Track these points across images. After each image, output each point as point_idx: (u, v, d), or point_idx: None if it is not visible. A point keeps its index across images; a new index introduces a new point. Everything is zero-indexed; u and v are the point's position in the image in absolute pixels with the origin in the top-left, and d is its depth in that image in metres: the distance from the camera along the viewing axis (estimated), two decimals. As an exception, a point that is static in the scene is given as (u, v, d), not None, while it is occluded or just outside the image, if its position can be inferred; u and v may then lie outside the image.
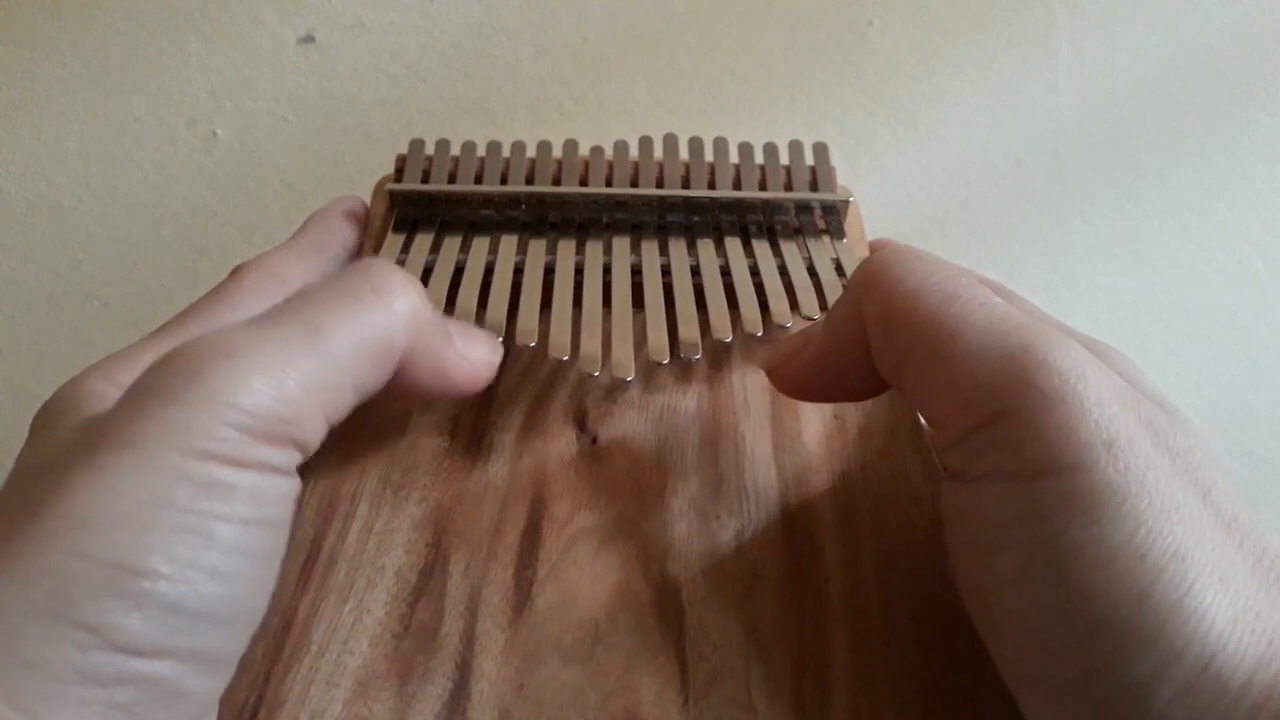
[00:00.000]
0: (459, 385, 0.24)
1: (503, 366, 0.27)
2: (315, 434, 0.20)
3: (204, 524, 0.17)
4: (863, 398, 0.24)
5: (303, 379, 0.19)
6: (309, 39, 0.43)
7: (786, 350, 0.24)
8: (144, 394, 0.18)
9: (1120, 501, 0.17)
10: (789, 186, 0.31)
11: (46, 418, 0.22)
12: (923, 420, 0.24)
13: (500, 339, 0.26)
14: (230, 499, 0.18)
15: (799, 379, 0.24)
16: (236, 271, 0.26)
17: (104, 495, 0.17)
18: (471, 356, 0.24)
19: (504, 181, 0.31)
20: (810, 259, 0.29)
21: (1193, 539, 0.17)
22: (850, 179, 0.32)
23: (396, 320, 0.21)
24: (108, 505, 0.17)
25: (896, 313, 0.20)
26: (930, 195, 0.44)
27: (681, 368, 0.28)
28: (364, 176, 0.32)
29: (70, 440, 0.19)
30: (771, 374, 0.24)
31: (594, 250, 0.29)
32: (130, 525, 0.17)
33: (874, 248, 0.30)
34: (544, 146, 0.31)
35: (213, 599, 0.17)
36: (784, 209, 0.31)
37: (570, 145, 0.31)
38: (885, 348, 0.21)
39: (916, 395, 0.21)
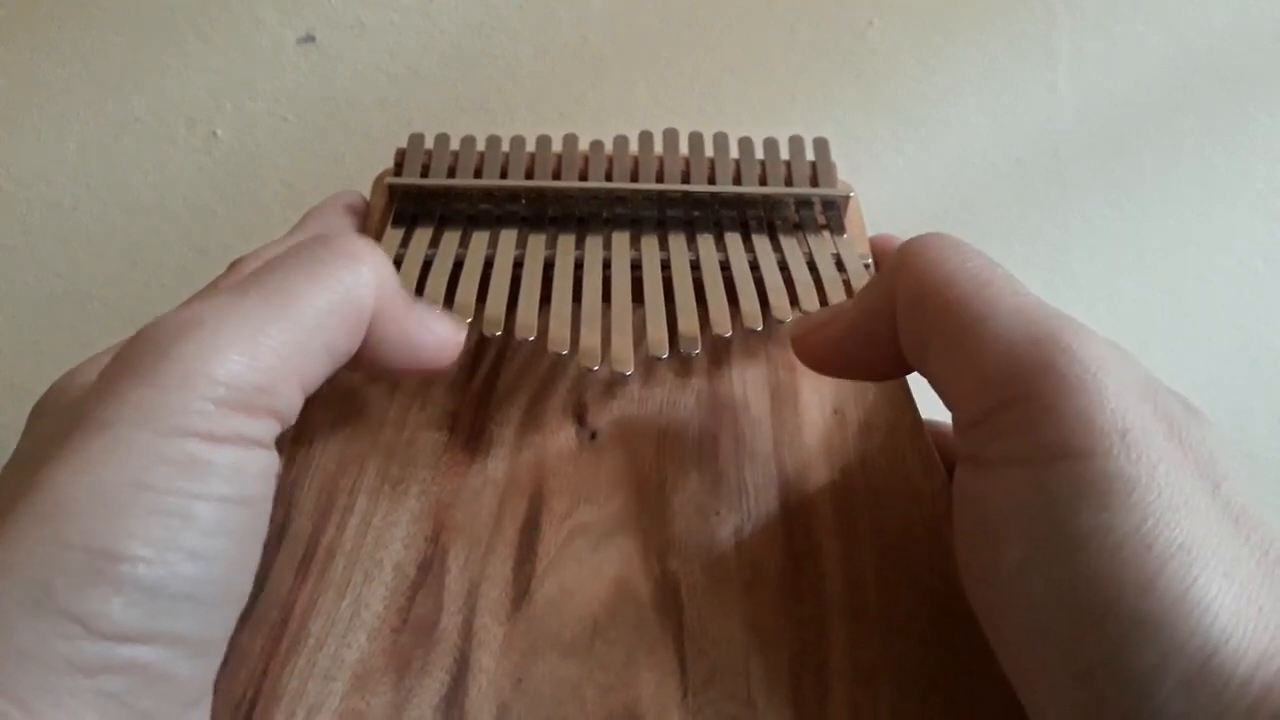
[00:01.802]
0: (426, 355, 0.23)
1: (502, 361, 0.27)
2: (292, 403, 0.20)
3: (182, 504, 0.17)
4: (884, 378, 0.24)
5: (275, 345, 0.19)
6: (309, 39, 0.43)
7: (815, 321, 0.24)
8: (116, 375, 0.18)
9: (1130, 491, 0.17)
10: (789, 182, 0.31)
11: (40, 411, 0.22)
12: (942, 403, 0.24)
13: (470, 320, 0.26)
14: (208, 477, 0.18)
15: (823, 351, 0.24)
16: (234, 265, 0.26)
17: (80, 481, 0.17)
18: (436, 329, 0.24)
19: (503, 176, 0.30)
20: (810, 254, 0.29)
21: (1200, 532, 0.17)
22: (850, 179, 0.32)
23: (362, 283, 0.21)
24: (84, 491, 0.17)
25: (930, 293, 0.21)
26: (930, 195, 0.44)
27: (681, 363, 0.27)
28: (364, 176, 0.32)
29: (53, 430, 0.19)
30: (796, 343, 0.25)
31: (593, 245, 0.29)
32: (107, 510, 0.17)
33: (874, 243, 0.30)
34: (543, 141, 0.31)
35: (194, 580, 0.17)
36: (784, 204, 0.31)
37: (570, 140, 0.31)
38: (913, 327, 0.21)
39: (939, 376, 0.21)
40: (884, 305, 0.22)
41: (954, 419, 0.20)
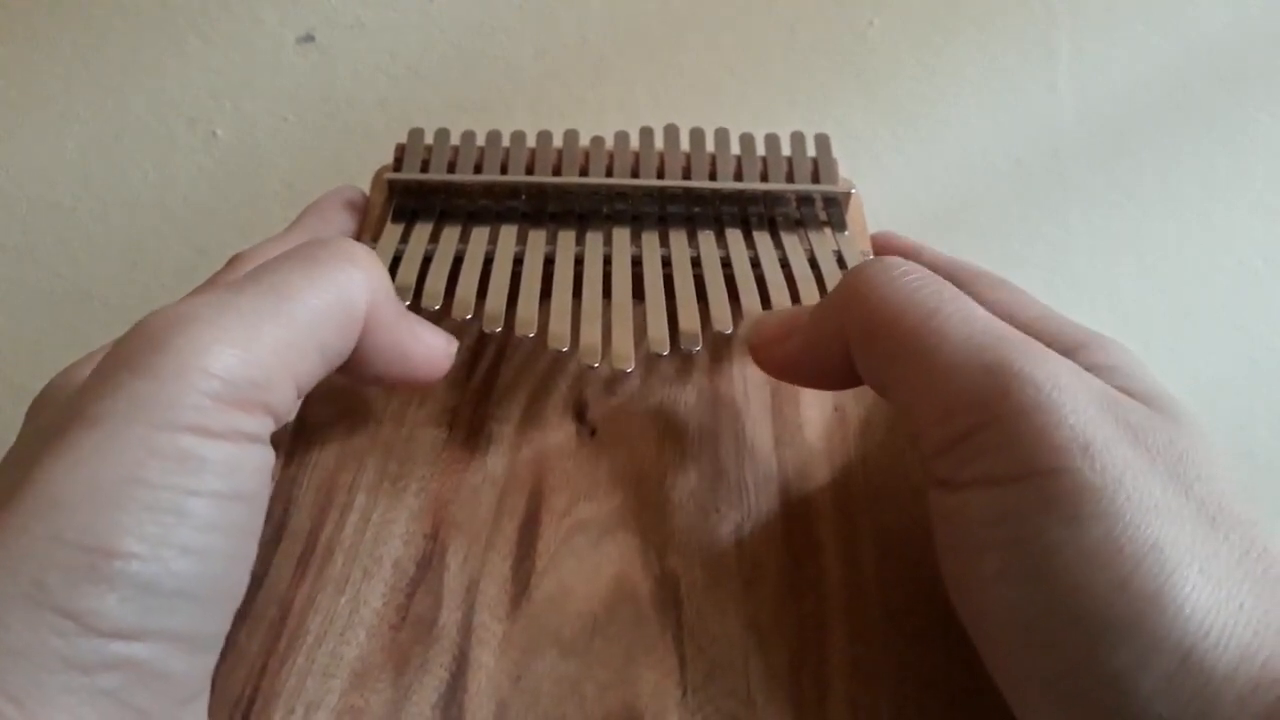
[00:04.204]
0: (415, 365, 0.23)
1: (501, 358, 0.27)
2: (286, 400, 0.20)
3: (176, 500, 0.17)
4: (841, 388, 0.24)
5: (270, 341, 0.19)
6: (309, 39, 0.43)
7: (771, 332, 0.24)
8: (110, 369, 0.18)
9: (1098, 499, 0.17)
10: (790, 178, 0.31)
11: (37, 408, 0.22)
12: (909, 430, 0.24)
13: (468, 317, 0.26)
14: (202, 472, 0.18)
15: (783, 365, 0.24)
16: (233, 261, 0.26)
17: (74, 477, 0.17)
18: (427, 340, 0.24)
19: (503, 171, 0.30)
20: (812, 251, 0.29)
21: (1172, 531, 0.17)
22: (850, 179, 0.32)
23: (356, 286, 0.21)
24: (78, 486, 0.17)
25: (879, 327, 0.21)
26: (930, 195, 0.43)
27: (681, 359, 0.27)
28: (364, 177, 0.32)
29: (48, 425, 0.19)
30: (754, 351, 0.25)
31: (594, 241, 0.29)
32: (102, 505, 0.17)
33: (875, 240, 0.30)
34: (544, 136, 0.31)
35: (188, 577, 0.17)
36: (785, 200, 0.30)
37: (570, 135, 0.31)
38: (868, 360, 0.21)
39: (901, 405, 0.21)
40: (835, 334, 0.22)
41: (921, 447, 0.21)
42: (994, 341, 0.19)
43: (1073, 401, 0.18)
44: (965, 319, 0.20)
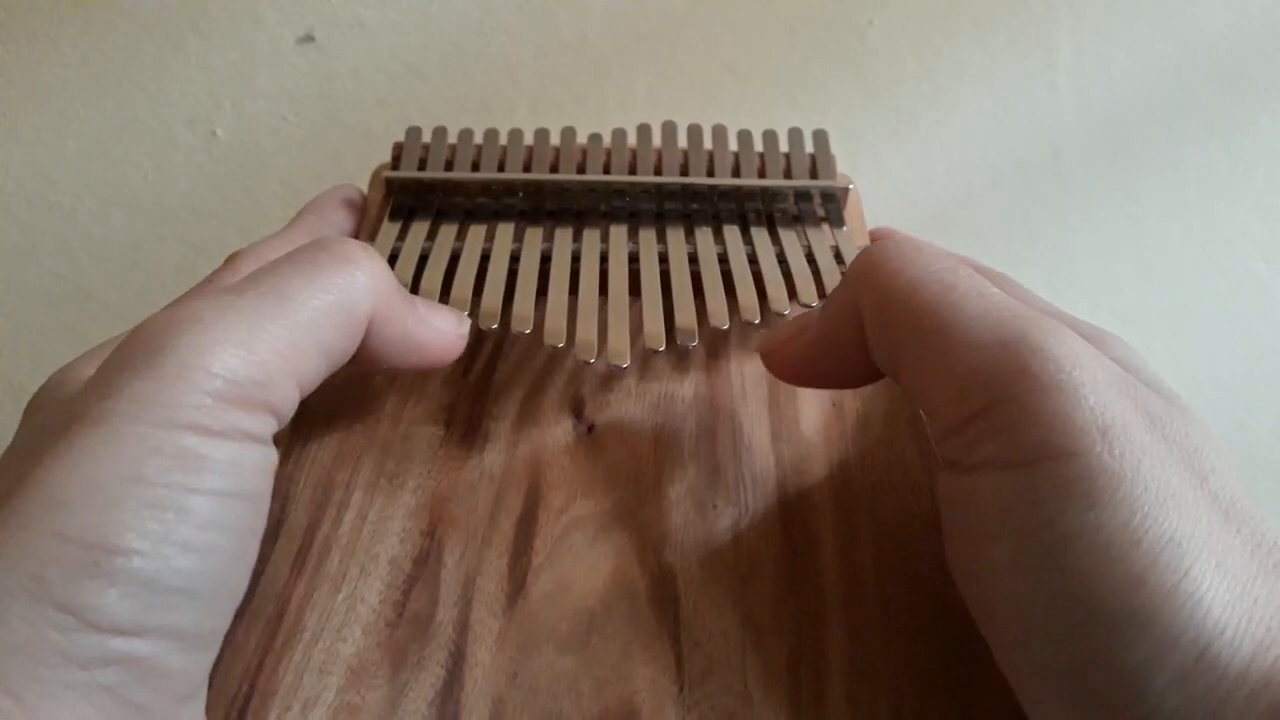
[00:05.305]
0: (428, 352, 0.24)
1: (498, 355, 0.27)
2: (288, 400, 0.20)
3: (177, 498, 0.17)
4: (858, 385, 0.24)
5: (271, 341, 0.19)
6: (309, 38, 0.43)
7: (783, 335, 0.24)
8: (113, 369, 0.18)
9: (1115, 487, 0.17)
10: (788, 174, 0.31)
11: (35, 406, 0.22)
12: (920, 410, 0.24)
13: (467, 313, 0.26)
14: (204, 471, 0.18)
15: (794, 364, 0.24)
16: (231, 259, 0.26)
17: (76, 474, 0.17)
18: (436, 324, 0.24)
19: (501, 169, 0.30)
20: (809, 247, 0.29)
21: (1189, 525, 0.17)
22: (848, 174, 0.32)
23: (358, 285, 0.21)
24: (80, 483, 0.17)
25: (894, 303, 0.20)
26: (930, 195, 0.44)
27: (678, 356, 0.27)
28: (363, 176, 0.32)
29: (50, 424, 0.19)
30: (766, 357, 0.24)
31: (591, 238, 0.29)
32: (103, 502, 0.17)
33: (874, 236, 0.30)
34: (541, 134, 0.31)
35: (188, 574, 0.17)
36: (783, 196, 0.30)
37: (568, 133, 0.31)
38: (882, 338, 0.21)
39: (913, 385, 0.20)
40: (849, 317, 0.22)
41: (932, 427, 0.20)
42: (1011, 316, 0.19)
43: (1092, 381, 0.18)
44: (981, 294, 0.20)
